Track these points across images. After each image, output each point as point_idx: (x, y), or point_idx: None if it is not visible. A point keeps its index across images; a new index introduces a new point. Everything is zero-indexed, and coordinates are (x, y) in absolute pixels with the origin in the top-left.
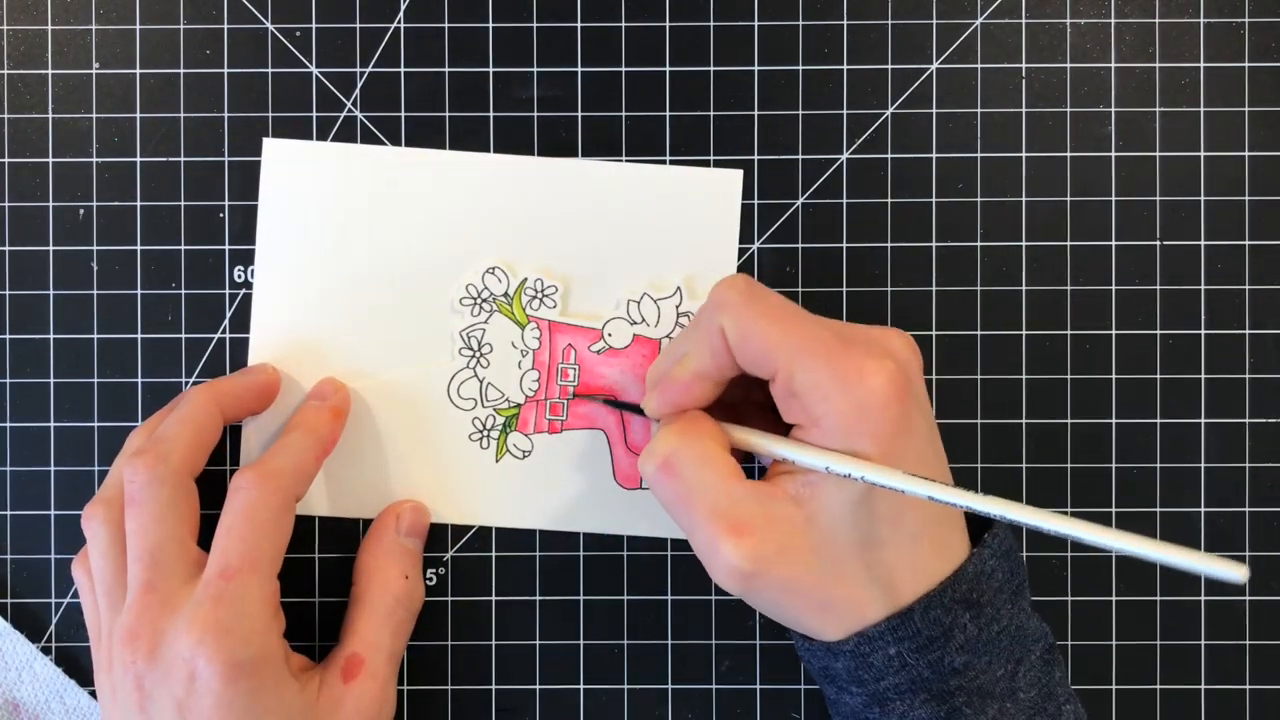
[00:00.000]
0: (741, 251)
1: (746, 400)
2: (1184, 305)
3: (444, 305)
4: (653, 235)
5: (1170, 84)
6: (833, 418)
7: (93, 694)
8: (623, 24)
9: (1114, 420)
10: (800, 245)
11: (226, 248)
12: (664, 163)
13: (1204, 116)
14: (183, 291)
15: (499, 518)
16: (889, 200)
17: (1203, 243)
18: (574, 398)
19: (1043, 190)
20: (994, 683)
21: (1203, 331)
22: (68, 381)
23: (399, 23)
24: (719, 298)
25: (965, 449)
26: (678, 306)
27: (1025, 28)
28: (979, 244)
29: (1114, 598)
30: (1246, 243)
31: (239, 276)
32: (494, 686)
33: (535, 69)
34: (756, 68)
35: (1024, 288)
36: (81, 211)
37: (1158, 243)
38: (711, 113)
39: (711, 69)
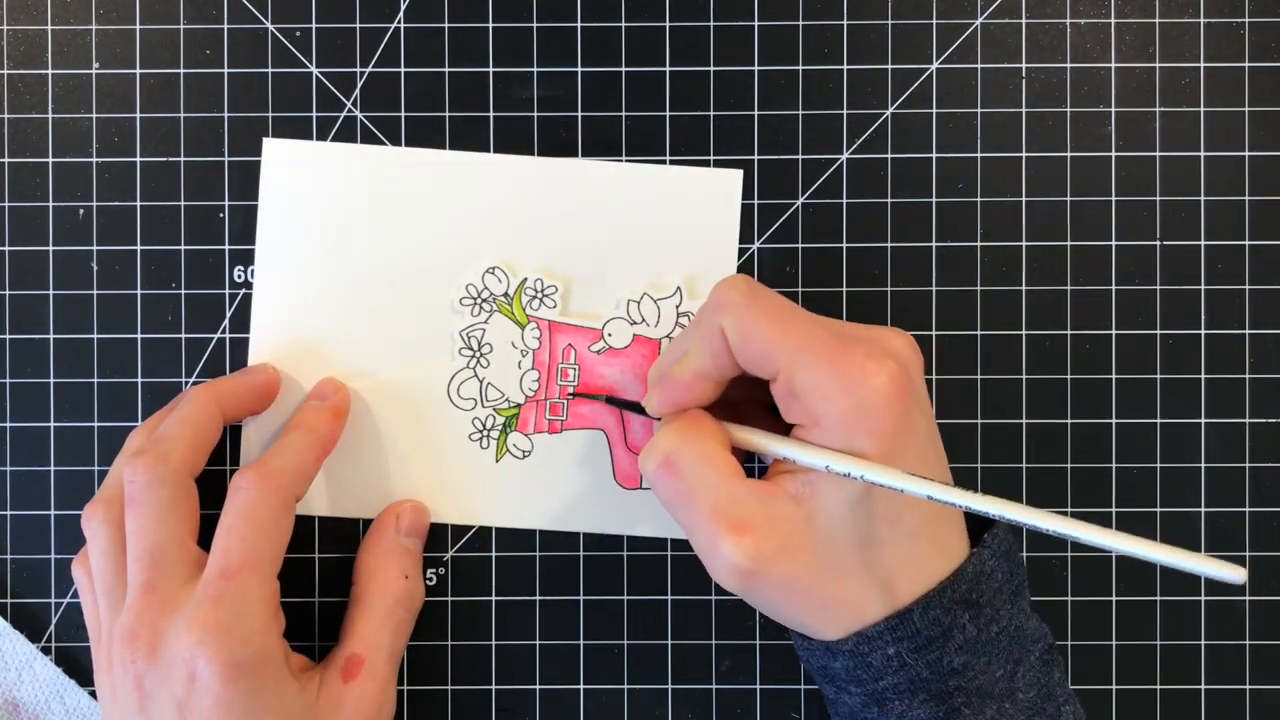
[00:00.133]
0: (741, 251)
1: (747, 399)
2: (1184, 305)
3: (444, 305)
4: (653, 235)
5: (1170, 84)
6: (833, 417)
7: (93, 694)
8: (623, 24)
9: (1114, 420)
10: (800, 245)
11: (226, 248)
12: (664, 163)
13: (1204, 116)
14: (183, 291)
15: (499, 518)
16: (889, 200)
17: (1203, 243)
18: (574, 397)
19: (1043, 190)
20: (993, 683)
21: (1203, 331)
22: (68, 381)
23: (399, 23)
24: (719, 298)
25: (965, 449)
26: (678, 306)
27: (1025, 28)
28: (979, 244)
29: (1114, 598)
30: (1246, 243)
31: (239, 276)
32: (494, 686)
33: (535, 69)
34: (756, 68)
35: (1024, 288)
36: (81, 211)
37: (1158, 243)
38: (711, 113)
39: (711, 69)
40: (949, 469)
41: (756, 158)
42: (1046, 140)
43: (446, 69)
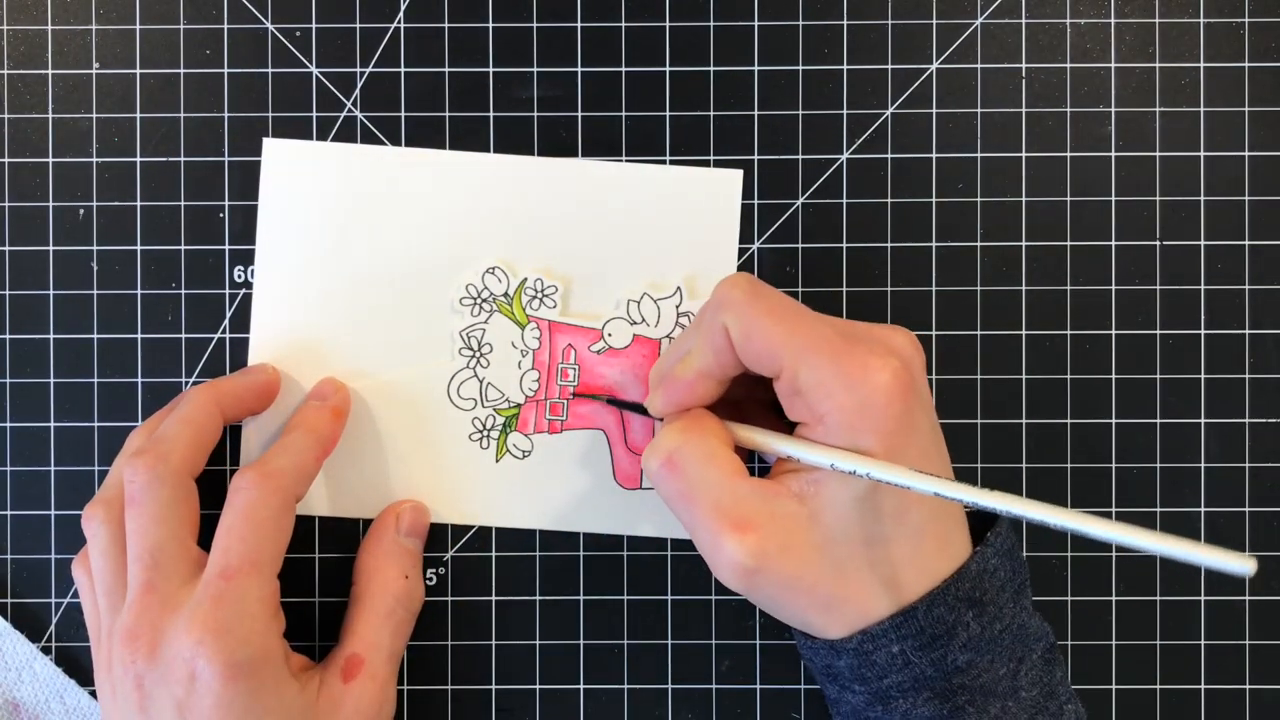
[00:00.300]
0: (741, 251)
1: (748, 399)
2: (1184, 305)
3: (444, 305)
4: (653, 235)
5: (1170, 84)
6: (837, 414)
7: (93, 694)
8: (623, 24)
9: (1114, 420)
10: (800, 245)
11: (226, 248)
12: (664, 163)
13: (1204, 116)
14: (183, 291)
15: (499, 518)
16: (889, 200)
17: (1203, 243)
18: (575, 397)
19: (1043, 190)
20: (996, 681)
21: (1203, 331)
22: (68, 381)
23: (399, 23)
24: (722, 296)
25: (965, 449)
26: (678, 306)
27: (1025, 28)
28: (979, 244)
29: (1114, 598)
30: (1246, 243)
31: (239, 276)
32: (494, 686)
33: (535, 69)
34: (756, 68)
35: (1024, 288)
36: (81, 211)
37: (1158, 243)
38: (711, 113)
39: (711, 69)
40: (951, 467)
41: (756, 158)
42: (1046, 140)
43: (446, 69)
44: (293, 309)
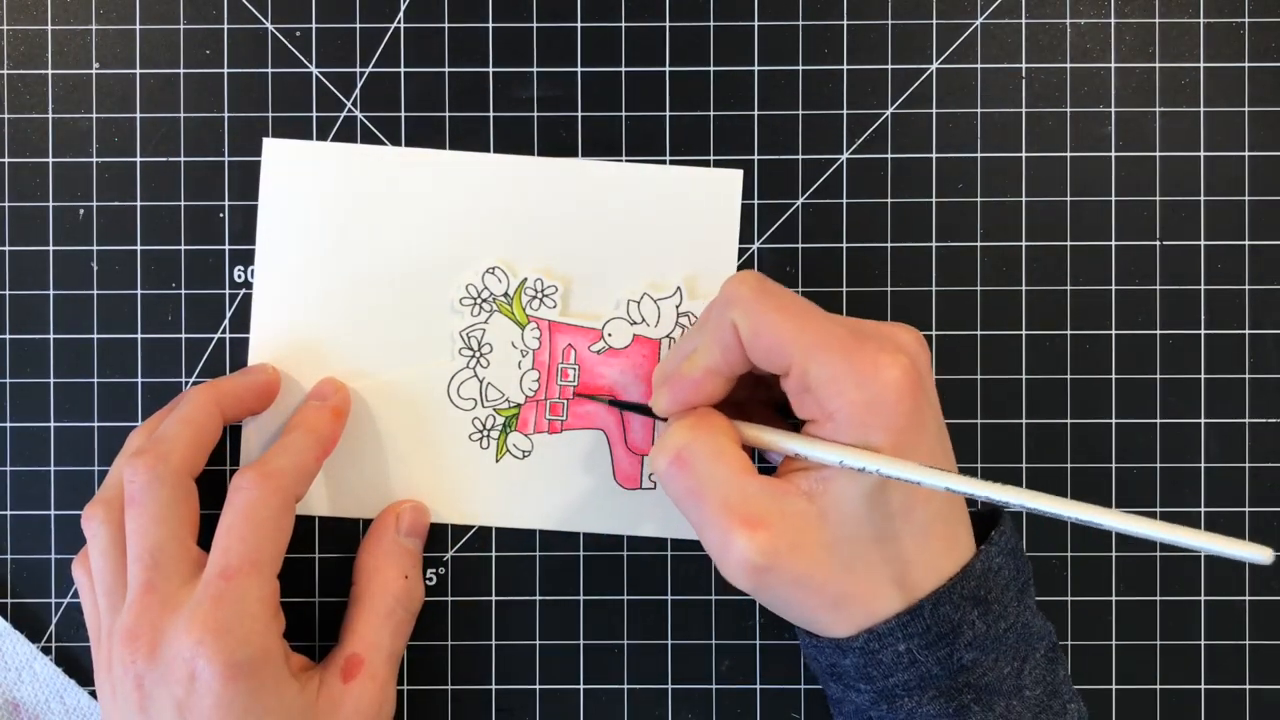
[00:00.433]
0: (741, 251)
1: (751, 399)
2: (1184, 305)
3: (444, 305)
4: (653, 235)
5: (1170, 84)
6: (847, 410)
7: (93, 694)
8: (623, 24)
9: (1114, 420)
10: (800, 245)
11: (226, 248)
12: (664, 163)
13: (1204, 116)
14: (183, 291)
15: (499, 518)
16: (889, 200)
17: (1203, 243)
18: (575, 397)
19: (1043, 190)
20: (1001, 680)
21: (1203, 331)
22: (68, 381)
23: (399, 23)
24: (730, 293)
25: (965, 449)
26: (678, 306)
27: (1025, 28)
28: (979, 244)
29: (1114, 598)
30: (1246, 243)
31: (239, 276)
32: (494, 686)
33: (535, 69)
34: (756, 68)
35: (1024, 288)
36: (81, 211)
37: (1158, 243)
38: (711, 113)
39: (711, 69)
40: (956, 464)
41: (756, 158)
42: (1046, 140)
43: (446, 69)
44: (293, 309)
